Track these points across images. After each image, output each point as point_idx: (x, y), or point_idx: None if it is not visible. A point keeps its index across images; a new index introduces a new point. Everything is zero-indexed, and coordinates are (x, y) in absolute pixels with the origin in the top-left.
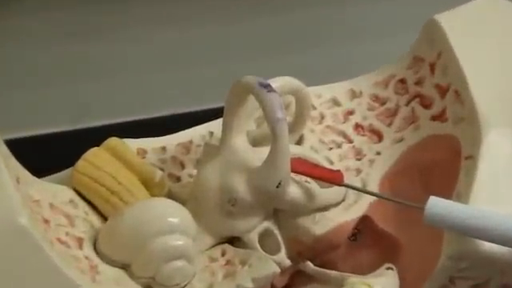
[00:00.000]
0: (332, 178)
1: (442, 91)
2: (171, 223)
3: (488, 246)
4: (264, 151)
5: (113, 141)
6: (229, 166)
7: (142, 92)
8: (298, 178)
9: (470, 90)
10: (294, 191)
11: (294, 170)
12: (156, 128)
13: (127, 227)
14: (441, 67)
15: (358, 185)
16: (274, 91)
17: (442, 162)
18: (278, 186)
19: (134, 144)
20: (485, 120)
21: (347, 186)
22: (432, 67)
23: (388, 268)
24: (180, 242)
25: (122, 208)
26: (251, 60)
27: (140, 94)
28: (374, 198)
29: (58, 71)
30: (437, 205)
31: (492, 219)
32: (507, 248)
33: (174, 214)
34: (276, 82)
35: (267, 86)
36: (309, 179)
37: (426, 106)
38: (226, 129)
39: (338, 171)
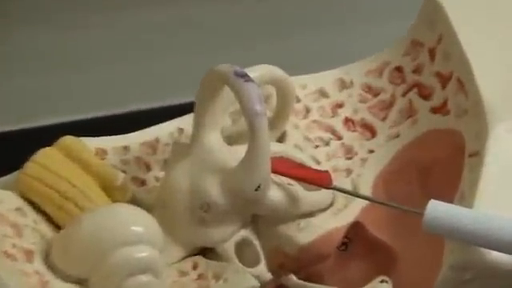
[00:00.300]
0: (318, 179)
1: (444, 80)
2: (135, 232)
3: (495, 256)
4: (241, 150)
5: (67, 139)
6: (201, 167)
7: (102, 85)
8: (280, 179)
9: (474, 78)
10: (275, 195)
11: (274, 171)
12: (118, 125)
13: (84, 237)
14: (442, 53)
15: (349, 187)
16: (252, 81)
17: (444, 160)
18: (256, 189)
19: (92, 143)
20: (491, 112)
21: (336, 189)
22: (432, 53)
23: (382, 281)
24: (145, 254)
25: (78, 216)
26: (227, 47)
27: (99, 88)
28: (366, 202)
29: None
30: (437, 209)
31: (500, 225)
32: None
33: (138, 222)
34: (254, 71)
35: (244, 76)
36: (292, 181)
37: (426, 96)
38: (197, 125)
39: (326, 172)
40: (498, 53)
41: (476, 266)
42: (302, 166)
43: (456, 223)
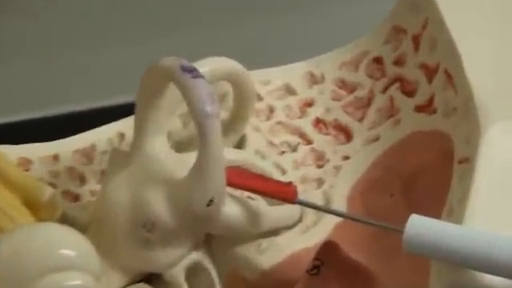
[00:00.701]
0: (281, 192)
1: (429, 73)
2: (65, 257)
3: (488, 279)
4: (192, 158)
5: None
6: (143, 179)
7: (25, 82)
8: (238, 192)
9: (464, 70)
10: (231, 210)
11: (230, 183)
12: (45, 130)
13: (2, 263)
14: (427, 41)
15: (320, 201)
16: (202, 77)
17: (430, 168)
18: (208, 204)
19: (13, 152)
20: (484, 110)
21: (302, 204)
22: (416, 41)
23: None
24: (77, 282)
25: None
26: (174, 35)
27: (22, 85)
28: (340, 218)
29: None
30: (419, 225)
31: (492, 243)
32: None
33: (68, 244)
34: (205, 65)
35: (192, 71)
36: (252, 194)
37: (409, 93)
38: (138, 129)
39: (290, 184)
40: (490, 40)
41: None
42: (261, 176)
43: (441, 241)
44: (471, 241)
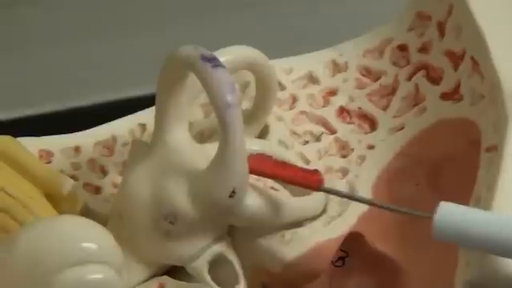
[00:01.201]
0: (307, 180)
1: (455, 59)
2: (86, 250)
3: None
4: (214, 149)
5: (2, 140)
6: (164, 171)
7: (46, 74)
8: (260, 182)
9: (491, 57)
10: (253, 202)
11: (253, 170)
12: (66, 123)
13: (22, 257)
14: (453, 27)
15: (344, 190)
16: (222, 67)
17: (457, 156)
18: (230, 196)
19: (34, 144)
20: (511, 97)
21: (328, 192)
22: (441, 27)
23: None
24: (99, 276)
25: (14, 232)
26: (193, 24)
27: (42, 78)
28: (365, 208)
29: None
30: (450, 212)
31: None
32: None
33: (91, 238)
34: (226, 54)
35: (212, 60)
36: (275, 184)
37: (434, 80)
38: (159, 120)
39: (315, 171)
40: None
41: (497, 283)
42: (285, 163)
43: (471, 228)
44: (503, 227)
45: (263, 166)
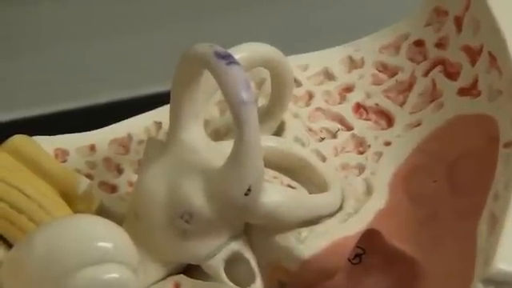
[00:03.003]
0: None
1: (473, 55)
2: (102, 249)
3: None
4: (230, 146)
5: (17, 139)
6: (180, 169)
7: (60, 73)
8: (277, 180)
9: (509, 52)
10: (270, 199)
11: None
12: (82, 121)
13: (38, 257)
14: (470, 22)
15: (360, 188)
16: (237, 63)
17: (474, 152)
18: (246, 194)
19: (49, 143)
20: None
21: None
22: (458, 22)
23: None
24: (115, 275)
25: (30, 232)
26: (211, 20)
27: (57, 76)
28: (382, 204)
29: None
30: None
31: None
32: None
33: (106, 237)
34: (240, 51)
35: (227, 57)
36: (292, 181)
37: (452, 75)
38: (174, 118)
39: None
40: None
41: None
42: None
43: None
44: None
45: None
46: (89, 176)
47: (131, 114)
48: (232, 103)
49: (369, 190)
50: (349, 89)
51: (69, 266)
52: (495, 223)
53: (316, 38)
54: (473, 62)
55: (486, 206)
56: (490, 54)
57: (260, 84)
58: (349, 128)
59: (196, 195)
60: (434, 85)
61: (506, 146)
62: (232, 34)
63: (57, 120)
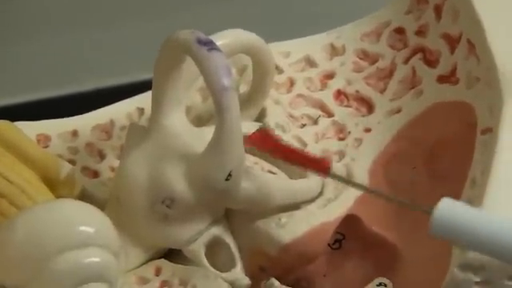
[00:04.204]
0: (316, 164)
1: (452, 42)
2: (83, 233)
3: None
4: (211, 132)
5: (0, 125)
6: (161, 154)
7: (44, 61)
8: (258, 166)
9: (487, 39)
10: (250, 184)
11: (258, 147)
12: (65, 108)
13: (20, 241)
14: (449, 10)
15: (341, 174)
16: (218, 50)
17: (453, 139)
18: (227, 179)
19: (32, 128)
20: (507, 80)
21: (337, 178)
22: (438, 10)
23: (380, 284)
24: (96, 259)
25: (12, 216)
26: (191, 9)
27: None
28: (361, 191)
29: None
30: (450, 210)
31: None
32: None
33: (88, 221)
34: (222, 38)
35: (208, 43)
36: (273, 167)
37: (431, 63)
38: (156, 104)
39: (324, 159)
40: None
41: (490, 267)
42: (294, 148)
43: (471, 229)
44: (501, 231)
45: (268, 142)
46: (71, 161)
47: (115, 101)
48: (213, 89)
49: (349, 176)
50: (330, 76)
51: (50, 250)
52: None
53: (298, 26)
54: (452, 50)
55: (463, 192)
56: (468, 41)
57: (242, 71)
58: (330, 114)
59: (177, 180)
60: (414, 72)
61: (484, 132)
62: (214, 20)
63: (41, 107)
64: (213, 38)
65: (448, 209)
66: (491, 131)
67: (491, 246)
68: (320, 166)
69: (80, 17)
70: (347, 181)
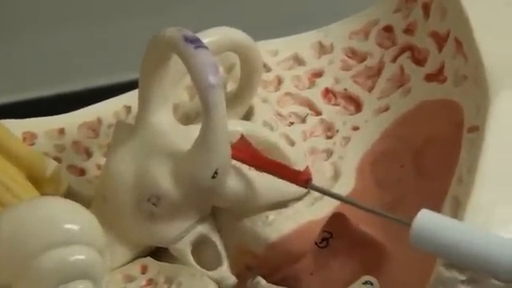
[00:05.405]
0: (294, 177)
1: (440, 41)
2: (69, 231)
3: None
4: (198, 130)
5: None
6: (148, 152)
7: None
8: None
9: (474, 38)
10: (236, 182)
11: (235, 157)
12: (52, 108)
13: (4, 238)
14: (437, 8)
15: (328, 172)
16: (205, 48)
17: (440, 137)
18: (213, 177)
19: (18, 126)
20: (494, 79)
21: (316, 190)
22: (426, 9)
23: (366, 282)
24: (81, 257)
25: None
26: (178, 6)
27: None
28: (349, 189)
29: None
30: (428, 222)
31: (500, 253)
32: None
33: (73, 219)
34: (209, 36)
35: (195, 41)
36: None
37: (419, 61)
38: (143, 102)
39: (304, 171)
40: (500, 7)
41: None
42: (275, 161)
43: (449, 241)
44: (477, 243)
45: (245, 152)
46: (57, 159)
47: (103, 100)
48: (199, 87)
49: (336, 175)
50: (318, 74)
51: (35, 248)
52: (458, 207)
53: (286, 24)
54: (440, 48)
55: (449, 190)
56: (456, 39)
57: (229, 69)
58: (317, 113)
59: (163, 178)
60: (402, 70)
61: (470, 130)
62: (202, 19)
63: (29, 107)
64: (200, 35)
65: (427, 221)
66: (478, 129)
67: (470, 258)
68: (299, 179)
69: (67, 16)
70: (327, 192)
